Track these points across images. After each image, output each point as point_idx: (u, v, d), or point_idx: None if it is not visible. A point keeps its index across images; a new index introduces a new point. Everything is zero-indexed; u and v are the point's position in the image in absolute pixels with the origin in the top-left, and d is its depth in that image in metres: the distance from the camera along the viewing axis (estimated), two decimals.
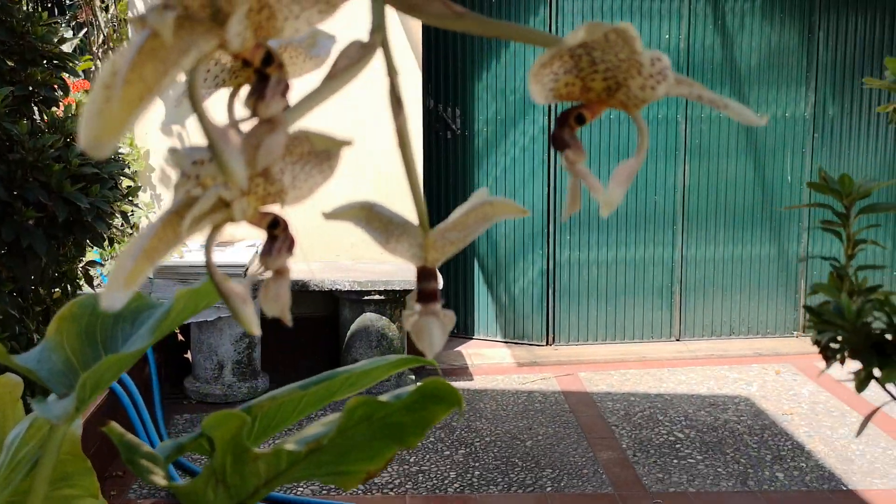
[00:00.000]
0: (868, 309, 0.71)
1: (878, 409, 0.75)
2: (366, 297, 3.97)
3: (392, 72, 0.42)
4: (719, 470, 3.33)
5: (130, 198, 2.67)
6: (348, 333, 4.06)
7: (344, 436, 0.58)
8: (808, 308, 0.82)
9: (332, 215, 0.46)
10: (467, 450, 3.51)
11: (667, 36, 4.55)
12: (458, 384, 4.25)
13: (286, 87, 0.35)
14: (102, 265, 3.58)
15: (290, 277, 0.45)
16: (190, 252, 3.86)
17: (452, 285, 4.77)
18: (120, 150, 2.58)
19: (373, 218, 0.47)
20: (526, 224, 4.63)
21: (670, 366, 4.57)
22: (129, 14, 4.35)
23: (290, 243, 0.41)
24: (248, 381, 3.95)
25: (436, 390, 0.60)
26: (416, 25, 4.14)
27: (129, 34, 4.40)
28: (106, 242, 2.58)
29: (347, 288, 3.95)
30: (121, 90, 0.31)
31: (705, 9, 4.55)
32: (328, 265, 4.20)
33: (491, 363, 4.58)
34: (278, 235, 0.40)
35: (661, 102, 4.55)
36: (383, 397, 0.61)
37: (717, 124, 4.66)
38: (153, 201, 4.15)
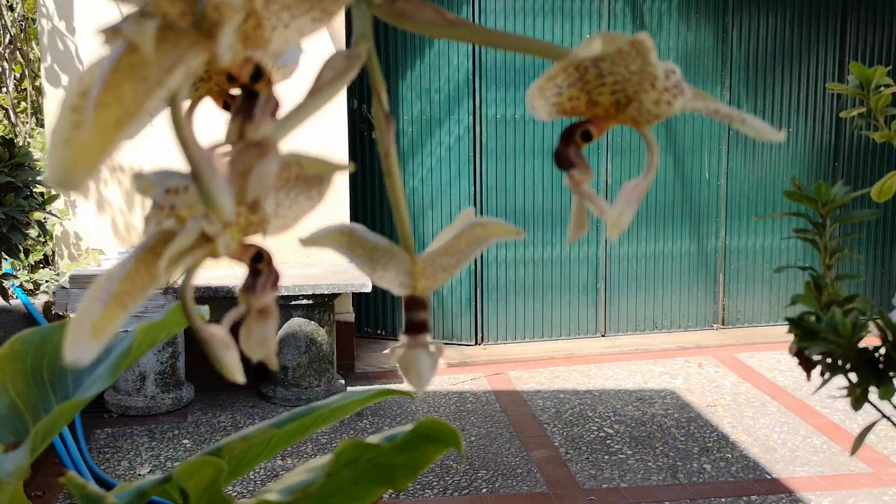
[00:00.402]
0: (863, 325, 0.70)
1: (873, 424, 0.74)
2: (293, 302, 3.88)
3: (379, 84, 0.39)
4: (649, 464, 3.38)
5: (46, 206, 2.54)
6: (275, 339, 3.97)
7: (329, 480, 0.54)
8: (790, 321, 0.81)
9: (308, 241, 0.42)
10: None
11: (587, 35, 4.60)
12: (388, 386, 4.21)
13: (276, 106, 0.31)
14: (15, 277, 3.40)
15: (276, 316, 0.41)
16: (108, 260, 3.71)
17: None
18: (35, 158, 2.45)
19: (354, 243, 0.43)
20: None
21: (597, 361, 4.63)
22: (39, 14, 4.15)
23: (274, 278, 0.37)
24: (171, 392, 3.82)
25: (431, 431, 0.56)
26: (340, 22, 4.07)
27: (41, 36, 4.21)
28: (21, 253, 2.44)
29: None
30: (93, 114, 0.26)
31: (624, 9, 4.62)
32: None
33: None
34: (262, 270, 0.36)
35: None
36: (373, 438, 0.57)
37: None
38: (67, 208, 3.97)
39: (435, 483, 3.21)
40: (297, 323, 3.93)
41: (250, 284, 0.36)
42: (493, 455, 3.45)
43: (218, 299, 3.79)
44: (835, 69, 4.84)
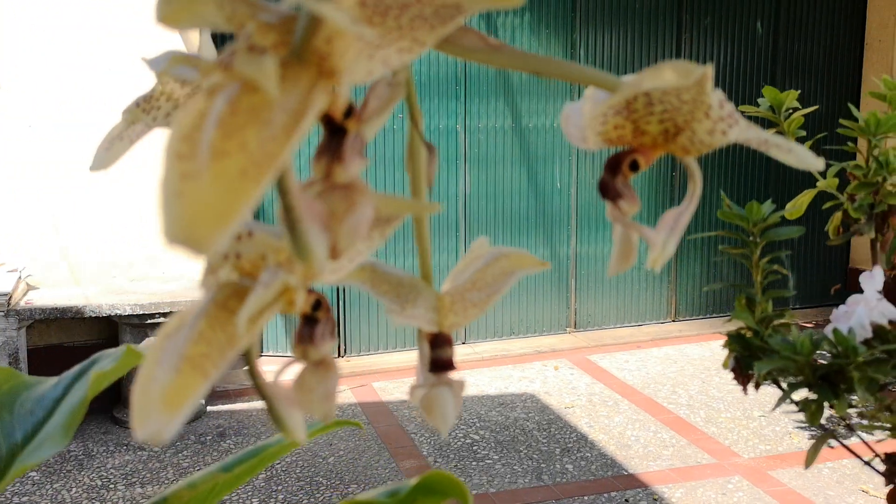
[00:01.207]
0: (820, 342, 0.74)
1: (830, 432, 0.78)
2: (149, 321, 3.71)
3: (417, 113, 0.38)
4: (515, 468, 3.46)
5: None
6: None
7: None
8: (730, 336, 0.85)
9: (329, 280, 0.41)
10: (268, 473, 3.38)
11: None
12: (249, 405, 4.10)
13: (363, 144, 0.30)
14: None
15: (336, 368, 0.40)
16: None
17: None
18: None
19: (378, 279, 0.42)
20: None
21: (459, 369, 4.65)
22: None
23: (332, 326, 0.35)
24: None
25: (436, 484, 0.53)
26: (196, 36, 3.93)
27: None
28: None
29: (129, 312, 3.67)
30: (211, 164, 0.25)
31: (479, 23, 4.73)
32: (105, 288, 3.87)
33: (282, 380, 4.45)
34: (320, 318, 0.34)
35: (441, 112, 4.67)
36: (369, 494, 0.54)
37: (493, 134, 4.86)
38: None
39: (305, 501, 3.16)
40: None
41: (308, 334, 0.35)
42: (362, 468, 3.43)
43: (65, 320, 3.57)
44: None
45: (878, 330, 0.75)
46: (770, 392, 4.21)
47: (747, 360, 0.86)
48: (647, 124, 0.41)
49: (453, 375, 0.46)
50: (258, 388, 0.34)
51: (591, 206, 5.12)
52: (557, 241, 5.13)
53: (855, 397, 0.73)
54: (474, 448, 3.64)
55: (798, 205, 0.89)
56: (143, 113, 0.48)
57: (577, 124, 0.44)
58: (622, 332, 5.33)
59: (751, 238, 0.87)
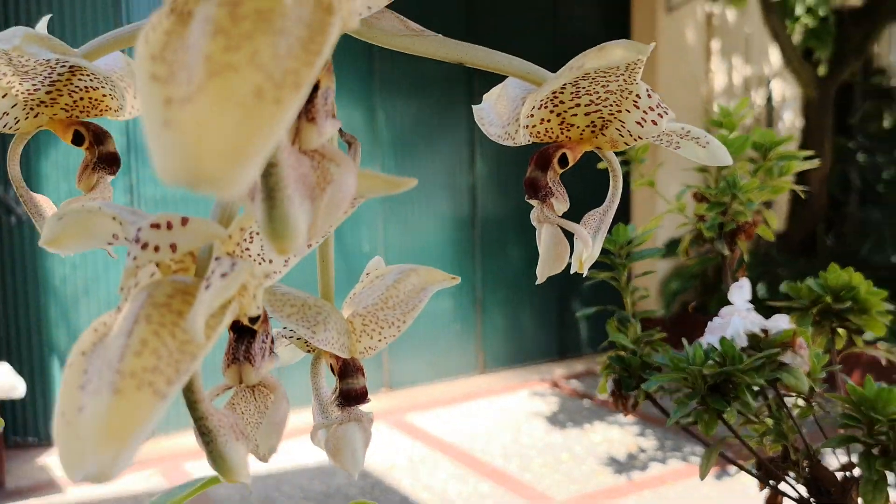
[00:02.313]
0: (710, 352, 0.77)
1: (721, 440, 0.81)
2: None
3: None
4: None
5: None
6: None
7: None
8: (610, 358, 0.87)
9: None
10: None
11: None
12: (41, 501, 3.72)
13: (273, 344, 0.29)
14: None
15: (283, 393, 0.36)
16: None
17: (29, 384, 4.18)
18: None
19: (279, 302, 0.37)
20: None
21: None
22: None
23: (271, 341, 0.33)
24: None
25: None
26: None
27: None
28: None
29: None
30: (205, 82, 0.19)
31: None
32: None
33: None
34: (258, 330, 0.32)
35: None
36: None
37: None
38: None
39: None
40: None
41: (243, 351, 0.31)
42: None
43: None
44: (469, 150, 5.38)
45: (751, 338, 0.83)
46: (574, 434, 4.42)
47: (627, 381, 0.91)
48: (573, 117, 0.39)
49: (363, 408, 0.41)
50: (197, 416, 0.29)
51: None
52: None
53: (738, 406, 0.79)
54: None
55: (651, 227, 0.96)
56: None
57: (498, 123, 0.43)
58: (435, 388, 5.39)
59: (618, 260, 0.93)
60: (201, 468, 4.12)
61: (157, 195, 4.27)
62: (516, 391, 5.33)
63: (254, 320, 0.32)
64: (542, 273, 0.42)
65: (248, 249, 0.33)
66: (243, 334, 0.32)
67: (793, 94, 6.28)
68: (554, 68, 0.37)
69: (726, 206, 0.94)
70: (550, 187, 0.40)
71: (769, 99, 6.23)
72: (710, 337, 0.84)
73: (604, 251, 0.98)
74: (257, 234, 0.33)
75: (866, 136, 5.77)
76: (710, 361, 0.76)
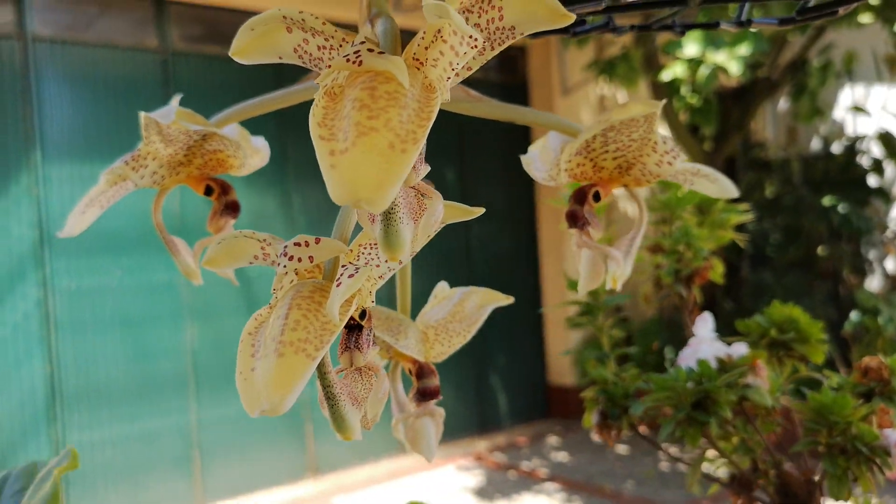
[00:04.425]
0: (690, 373, 0.86)
1: (702, 454, 0.90)
2: None
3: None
4: None
5: None
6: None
7: None
8: (594, 393, 0.95)
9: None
10: None
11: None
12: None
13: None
14: None
15: (384, 374, 0.44)
16: None
17: None
18: None
19: (373, 314, 0.45)
20: (27, 407, 4.10)
21: None
22: None
23: (373, 335, 0.41)
24: None
25: None
26: None
27: None
28: None
29: None
30: (355, 140, 0.30)
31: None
32: None
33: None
34: (365, 326, 0.40)
35: (163, 267, 4.51)
36: None
37: (217, 286, 4.77)
38: None
39: None
40: None
41: (353, 341, 0.39)
42: None
43: None
44: None
45: (720, 362, 0.94)
46: (516, 498, 4.46)
47: (613, 411, 1.00)
48: (603, 161, 0.48)
49: (434, 404, 0.50)
50: (325, 384, 0.37)
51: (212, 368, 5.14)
52: None
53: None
54: None
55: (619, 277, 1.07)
56: (132, 171, 0.51)
57: (543, 168, 0.53)
58: (362, 470, 5.34)
59: (594, 304, 1.04)
60: None
61: (72, 286, 4.18)
62: (442, 467, 5.33)
63: (361, 316, 0.40)
64: (584, 288, 0.51)
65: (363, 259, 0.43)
66: (353, 329, 0.40)
67: None
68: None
69: (680, 254, 1.07)
70: (587, 218, 0.49)
71: None
72: (683, 364, 0.95)
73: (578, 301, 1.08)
74: (366, 249, 0.41)
75: (751, 205, 6.16)
76: (690, 383, 0.87)
